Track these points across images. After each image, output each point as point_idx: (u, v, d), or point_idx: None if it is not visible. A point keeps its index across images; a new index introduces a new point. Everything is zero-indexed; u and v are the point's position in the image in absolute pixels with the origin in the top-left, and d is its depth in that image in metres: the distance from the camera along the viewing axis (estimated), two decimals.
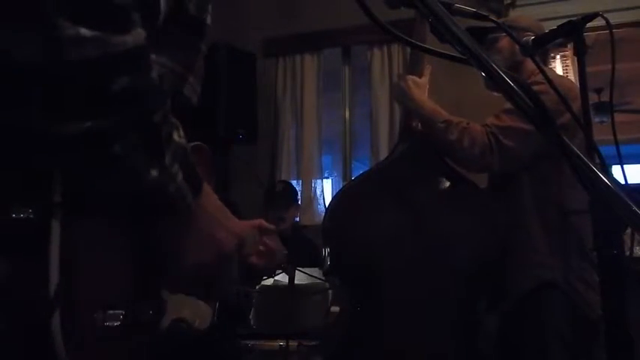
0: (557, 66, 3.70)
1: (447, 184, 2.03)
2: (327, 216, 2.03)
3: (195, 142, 0.99)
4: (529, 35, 1.78)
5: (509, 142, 1.89)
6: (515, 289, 1.93)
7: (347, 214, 2.00)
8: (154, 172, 0.70)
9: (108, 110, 0.63)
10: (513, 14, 3.62)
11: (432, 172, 2.03)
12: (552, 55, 2.63)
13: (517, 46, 1.96)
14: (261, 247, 1.17)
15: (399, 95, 2.07)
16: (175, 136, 0.73)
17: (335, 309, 2.76)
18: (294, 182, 4.13)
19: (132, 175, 0.69)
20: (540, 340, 1.85)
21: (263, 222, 1.34)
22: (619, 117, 6.10)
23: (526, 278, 1.91)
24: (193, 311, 1.04)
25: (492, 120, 1.94)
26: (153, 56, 0.70)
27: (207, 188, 0.84)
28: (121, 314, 0.73)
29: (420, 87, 2.01)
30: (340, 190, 2.24)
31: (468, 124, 1.95)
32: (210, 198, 0.85)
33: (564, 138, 0.76)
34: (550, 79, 1.27)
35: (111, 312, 0.72)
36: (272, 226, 1.41)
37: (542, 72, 1.28)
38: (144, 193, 0.72)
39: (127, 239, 0.77)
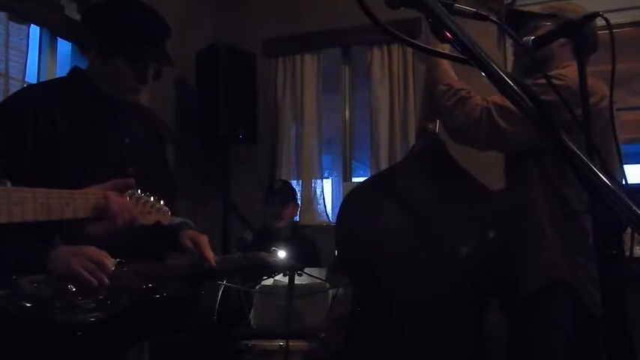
0: None
1: (458, 185, 2.03)
2: (338, 216, 2.04)
3: None
4: None
5: (504, 122, 1.85)
6: (525, 287, 1.90)
7: (357, 215, 2.00)
8: None
9: None
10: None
11: (443, 174, 2.03)
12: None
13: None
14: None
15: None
16: None
17: (336, 309, 2.77)
18: (294, 182, 4.13)
19: None
20: (547, 341, 1.83)
21: (117, 182, 1.42)
22: (619, 117, 6.08)
23: (537, 276, 1.88)
24: None
25: (495, 98, 1.89)
26: None
27: None
28: None
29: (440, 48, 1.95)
30: (351, 191, 2.23)
31: (469, 93, 1.93)
32: None
33: (564, 138, 0.76)
34: (549, 79, 1.27)
35: None
36: (128, 181, 1.46)
37: (544, 75, 1.27)
38: None
39: None
